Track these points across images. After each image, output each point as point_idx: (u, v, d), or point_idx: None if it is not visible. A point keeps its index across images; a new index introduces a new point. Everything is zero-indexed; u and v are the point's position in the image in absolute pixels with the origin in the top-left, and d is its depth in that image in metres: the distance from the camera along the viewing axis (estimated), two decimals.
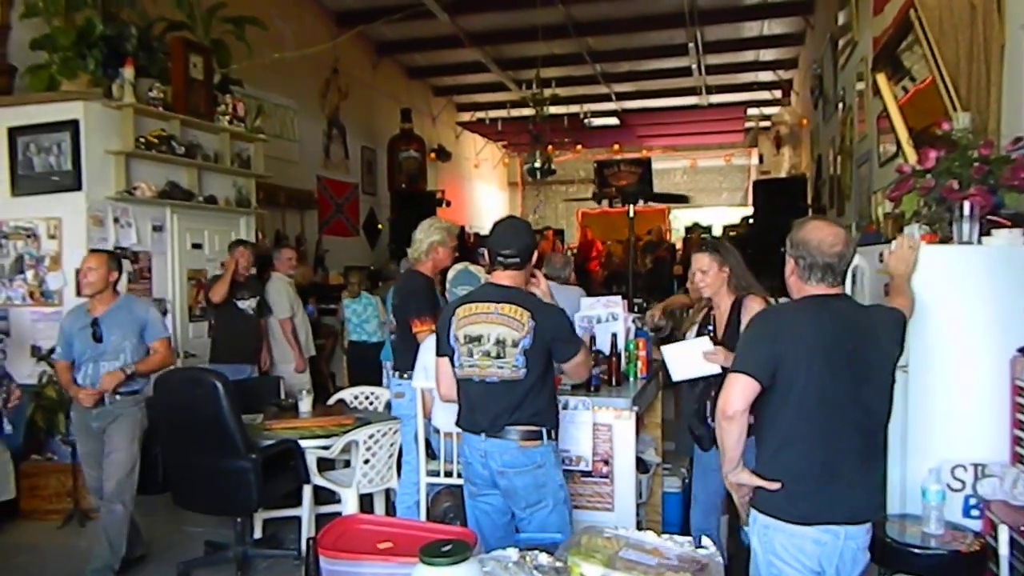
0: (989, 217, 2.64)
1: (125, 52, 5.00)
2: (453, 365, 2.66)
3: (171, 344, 3.97)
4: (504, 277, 2.66)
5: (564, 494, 2.65)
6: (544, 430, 2.59)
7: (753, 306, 2.94)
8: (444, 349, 2.70)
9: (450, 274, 3.48)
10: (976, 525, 2.46)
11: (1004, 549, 2.24)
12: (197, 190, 5.57)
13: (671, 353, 3.10)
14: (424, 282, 3.77)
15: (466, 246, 11.41)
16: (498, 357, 2.54)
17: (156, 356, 3.83)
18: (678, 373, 3.08)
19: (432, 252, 3.82)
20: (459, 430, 2.75)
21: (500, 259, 2.63)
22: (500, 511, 2.64)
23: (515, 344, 2.53)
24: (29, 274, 4.91)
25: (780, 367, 2.01)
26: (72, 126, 4.79)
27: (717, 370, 2.89)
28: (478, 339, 2.57)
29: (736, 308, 3.02)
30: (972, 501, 2.48)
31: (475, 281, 3.31)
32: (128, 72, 4.91)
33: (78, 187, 4.80)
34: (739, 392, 2.02)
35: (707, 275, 3.10)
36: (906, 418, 2.56)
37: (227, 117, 5.82)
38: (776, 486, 2.04)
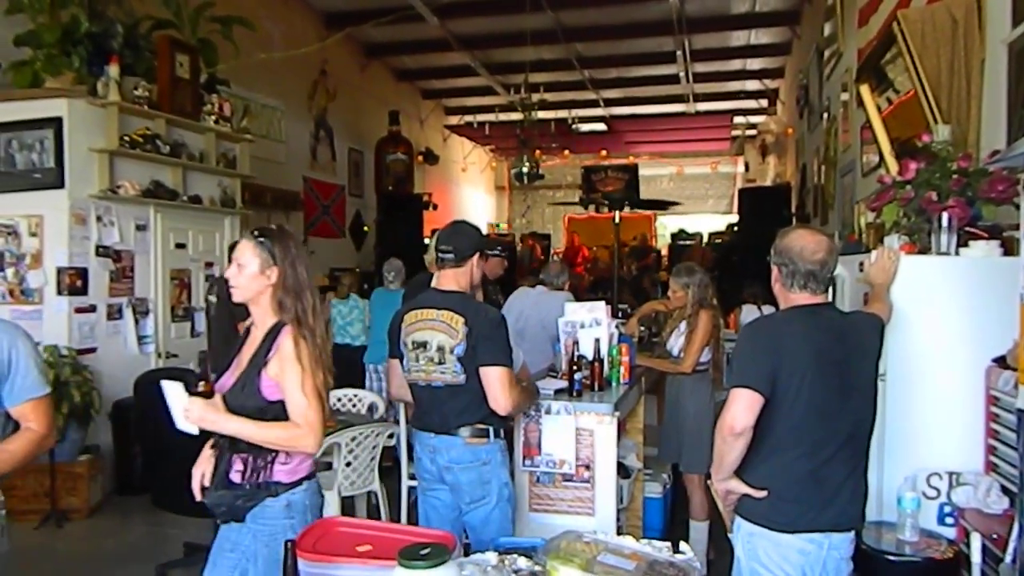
0: (967, 229, 2.67)
1: (111, 50, 4.99)
2: (404, 368, 2.74)
3: (52, 410, 2.12)
4: (447, 279, 2.72)
5: (508, 492, 2.70)
6: (491, 429, 2.64)
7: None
8: (395, 352, 2.77)
9: None
10: (950, 533, 2.49)
11: (976, 557, 2.27)
12: (182, 189, 5.54)
13: (170, 394, 2.13)
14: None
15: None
16: (440, 363, 2.61)
17: (25, 437, 2.00)
18: (181, 421, 2.16)
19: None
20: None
21: (439, 255, 2.72)
22: (448, 506, 2.69)
23: (452, 351, 2.59)
24: (9, 272, 4.86)
25: (777, 378, 1.99)
26: (55, 123, 4.76)
27: (194, 430, 2.12)
28: (423, 345, 2.64)
29: (272, 336, 2.06)
30: (947, 509, 2.51)
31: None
32: (113, 70, 4.90)
33: (61, 185, 4.77)
34: (746, 407, 1.98)
35: None
36: (883, 426, 2.58)
37: (213, 117, 5.81)
38: (763, 494, 2.04)
